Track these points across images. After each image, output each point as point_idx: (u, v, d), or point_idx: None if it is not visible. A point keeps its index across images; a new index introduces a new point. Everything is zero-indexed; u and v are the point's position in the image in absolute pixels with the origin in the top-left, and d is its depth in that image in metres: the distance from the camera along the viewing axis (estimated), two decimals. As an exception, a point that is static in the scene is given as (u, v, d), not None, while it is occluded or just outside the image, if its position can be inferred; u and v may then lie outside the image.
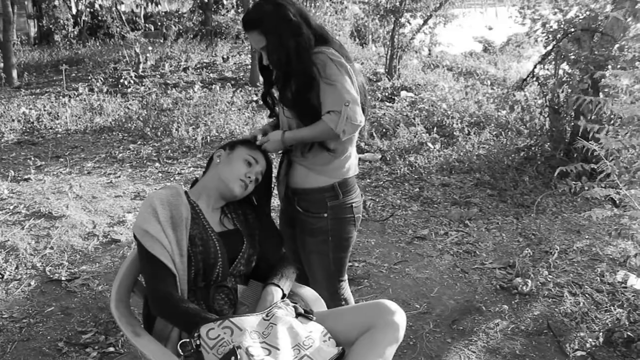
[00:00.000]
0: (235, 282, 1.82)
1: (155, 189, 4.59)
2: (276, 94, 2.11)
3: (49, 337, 2.72)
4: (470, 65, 11.98)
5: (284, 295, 1.79)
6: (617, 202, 4.90)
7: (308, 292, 1.97)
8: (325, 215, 2.07)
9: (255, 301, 1.78)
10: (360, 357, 1.61)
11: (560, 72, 5.50)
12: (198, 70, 9.88)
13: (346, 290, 2.28)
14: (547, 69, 5.86)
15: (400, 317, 1.68)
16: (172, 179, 4.81)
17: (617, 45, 5.07)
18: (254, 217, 1.97)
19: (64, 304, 3.01)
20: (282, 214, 2.26)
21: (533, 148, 5.83)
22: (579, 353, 2.82)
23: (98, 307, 2.95)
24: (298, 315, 1.68)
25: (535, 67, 5.84)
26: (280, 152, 2.12)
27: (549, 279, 3.46)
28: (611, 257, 3.88)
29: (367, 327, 1.67)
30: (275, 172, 2.14)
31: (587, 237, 4.22)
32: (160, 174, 4.93)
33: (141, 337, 1.65)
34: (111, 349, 2.63)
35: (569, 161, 5.25)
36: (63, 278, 3.26)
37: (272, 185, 2.08)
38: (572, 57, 5.28)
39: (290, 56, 1.90)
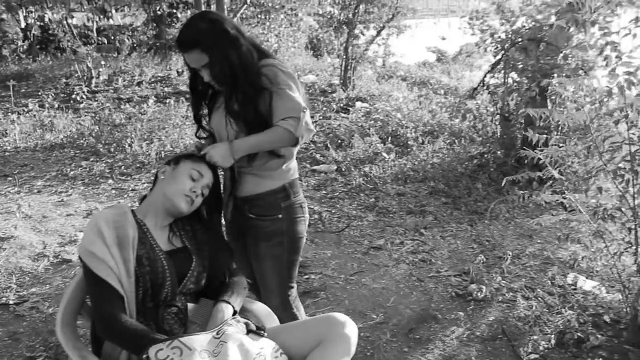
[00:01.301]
0: (185, 301, 1.80)
1: (109, 206, 4.50)
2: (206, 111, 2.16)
3: (-5, 364, 2.62)
4: (424, 75, 12.20)
5: (235, 312, 1.78)
6: (567, 207, 5.06)
7: (260, 308, 1.95)
8: (280, 216, 2.09)
9: (206, 319, 1.76)
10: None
11: (510, 80, 5.66)
12: (152, 85, 9.76)
13: (297, 297, 2.30)
14: (497, 78, 6.02)
15: (350, 329, 1.69)
16: (125, 195, 4.72)
17: (561, 54, 5.25)
18: (203, 232, 1.94)
19: (12, 329, 2.90)
20: (230, 227, 2.22)
21: (485, 155, 5.96)
22: (532, 356, 2.88)
23: (48, 330, 2.85)
24: (249, 332, 1.67)
25: (485, 76, 6.00)
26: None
27: (502, 284, 3.53)
28: (562, 260, 3.99)
29: (318, 341, 1.67)
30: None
31: (539, 241, 4.34)
32: (113, 191, 4.84)
33: (88, 361, 1.61)
34: (62, 374, 2.55)
35: (520, 168, 5.39)
36: (11, 302, 3.14)
37: (221, 197, 2.05)
38: (520, 65, 5.45)
39: (234, 68, 1.93)
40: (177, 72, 10.68)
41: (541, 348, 2.94)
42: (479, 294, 3.44)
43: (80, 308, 1.78)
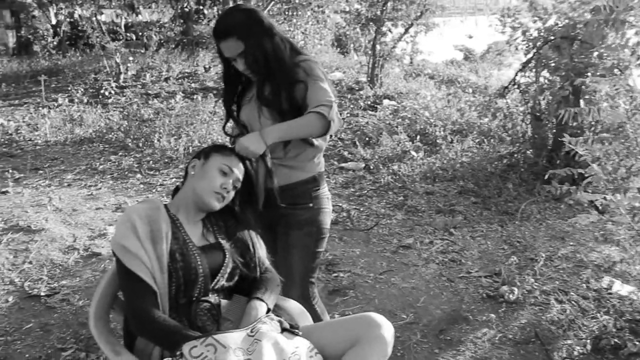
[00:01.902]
0: (218, 298, 1.77)
1: (137, 200, 4.52)
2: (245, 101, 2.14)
3: (27, 355, 2.63)
4: (452, 74, 12.06)
5: (268, 310, 1.75)
6: (601, 208, 4.94)
7: (293, 306, 1.92)
8: (311, 205, 2.13)
9: (239, 316, 1.73)
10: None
11: (541, 79, 5.54)
12: (179, 80, 9.81)
13: (317, 293, 2.30)
14: (528, 77, 5.90)
15: (388, 331, 1.65)
16: (154, 190, 4.74)
17: (596, 53, 5.13)
18: (235, 227, 1.91)
19: (43, 320, 2.93)
20: (260, 219, 2.17)
21: (515, 155, 5.85)
22: (567, 362, 2.81)
23: (79, 322, 2.86)
24: (283, 330, 1.64)
25: (516, 74, 5.88)
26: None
27: (535, 287, 3.45)
28: (596, 263, 3.89)
29: (354, 341, 1.63)
30: None
31: (571, 243, 4.24)
32: (142, 186, 4.86)
33: (121, 356, 1.59)
34: (92, 366, 2.56)
35: (552, 168, 5.28)
36: (42, 293, 3.17)
37: (254, 190, 2.01)
38: (553, 64, 5.34)
39: (268, 57, 1.97)
40: (204, 68, 10.72)
41: (576, 353, 2.87)
42: (510, 296, 3.36)
43: (113, 302, 1.77)
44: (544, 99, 5.56)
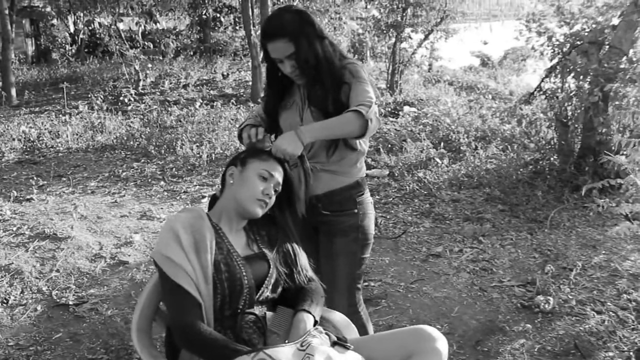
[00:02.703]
0: (263, 309, 1.71)
1: (161, 208, 4.49)
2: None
3: (58, 366, 2.60)
4: (471, 80, 11.98)
5: (315, 322, 1.69)
6: (631, 217, 4.83)
7: (338, 318, 1.86)
8: (356, 211, 2.08)
9: (286, 329, 1.67)
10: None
11: (570, 85, 5.44)
12: (198, 87, 9.82)
13: (362, 300, 2.24)
14: (553, 83, 5.81)
15: (442, 344, 1.58)
16: (177, 197, 4.71)
17: (625, 58, 5.03)
18: (277, 236, 1.86)
19: (72, 330, 2.89)
20: (302, 227, 2.09)
21: (541, 162, 5.76)
22: (611, 375, 2.71)
23: (108, 332, 2.82)
24: (334, 344, 1.58)
25: (542, 80, 5.79)
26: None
27: (570, 297, 3.36)
28: (631, 272, 3.78)
29: (407, 355, 1.57)
30: None
31: (603, 252, 4.13)
32: (165, 193, 4.83)
33: (166, 370, 1.54)
34: (124, 377, 2.51)
35: (580, 175, 5.19)
36: (70, 302, 3.14)
37: (293, 195, 1.93)
38: (580, 70, 5.24)
39: (318, 58, 1.93)
40: (222, 75, 10.73)
41: (617, 367, 2.78)
42: (546, 306, 3.27)
43: (155, 314, 1.72)
44: (571, 105, 5.46)
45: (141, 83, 9.43)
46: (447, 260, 3.94)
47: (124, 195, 4.83)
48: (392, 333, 1.68)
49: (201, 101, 8.03)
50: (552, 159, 5.67)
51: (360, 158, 2.10)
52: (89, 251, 3.75)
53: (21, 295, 3.20)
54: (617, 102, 5.08)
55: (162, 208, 4.47)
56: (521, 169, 5.73)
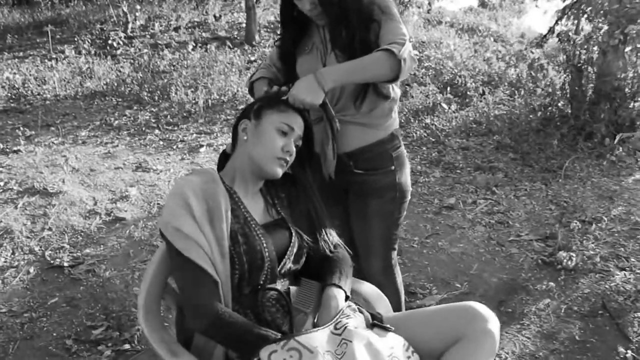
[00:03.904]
0: (285, 284, 1.50)
1: (158, 159, 4.24)
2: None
3: (55, 334, 2.40)
4: (472, 22, 11.53)
5: (346, 298, 1.48)
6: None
7: (368, 289, 1.66)
8: (393, 168, 1.83)
9: (313, 306, 1.46)
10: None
11: (587, 27, 5.14)
12: (189, 30, 9.36)
13: (397, 262, 2.04)
14: (565, 25, 5.51)
15: (495, 325, 1.39)
16: (174, 147, 4.44)
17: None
18: (298, 198, 1.62)
19: (69, 294, 2.69)
20: (329, 188, 1.84)
21: (550, 108, 5.52)
22: (643, 337, 2.57)
23: (107, 297, 2.62)
24: (373, 325, 1.38)
25: (557, 22, 5.47)
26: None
27: (593, 252, 3.20)
28: (652, 225, 3.62)
29: (456, 337, 1.37)
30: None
31: (621, 203, 3.97)
32: (161, 142, 4.55)
33: (179, 357, 1.34)
34: (127, 345, 2.33)
35: (594, 122, 4.96)
36: (65, 264, 2.92)
37: (314, 150, 1.69)
38: (600, 10, 4.93)
39: None
40: (215, 17, 10.24)
41: (648, 327, 2.63)
42: (569, 263, 3.11)
43: (163, 291, 1.51)
44: (586, 48, 5.18)
45: (130, 26, 8.95)
46: (460, 213, 3.76)
47: (117, 146, 4.55)
48: (436, 311, 1.48)
49: (194, 44, 7.62)
50: (561, 105, 5.43)
51: (394, 107, 1.83)
52: (83, 207, 3.51)
53: (12, 256, 2.98)
54: (638, 45, 4.80)
55: (158, 159, 4.21)
56: (531, 116, 5.49)
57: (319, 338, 1.27)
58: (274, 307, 1.44)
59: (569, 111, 5.26)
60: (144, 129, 4.81)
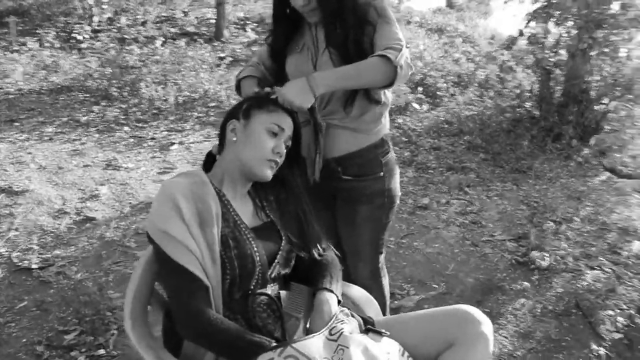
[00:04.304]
0: (274, 288, 1.47)
1: (128, 156, 4.14)
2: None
3: (24, 340, 2.31)
4: (440, 22, 11.64)
5: (338, 302, 1.46)
6: (608, 167, 4.78)
7: (358, 293, 1.64)
8: (382, 174, 1.79)
9: (304, 310, 1.44)
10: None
11: (554, 30, 5.23)
12: (157, 25, 9.19)
13: (384, 265, 2.03)
14: (533, 28, 5.59)
15: (488, 327, 1.39)
16: (145, 144, 4.34)
17: (615, 3, 4.85)
18: (287, 201, 1.59)
19: (39, 298, 2.59)
20: (316, 193, 1.79)
21: (519, 110, 5.61)
22: (616, 336, 2.63)
23: (80, 300, 2.53)
24: (367, 330, 1.36)
25: (527, 24, 5.55)
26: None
27: (565, 252, 3.26)
28: (619, 225, 3.72)
29: (449, 341, 1.37)
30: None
31: (589, 204, 4.06)
32: (131, 139, 4.44)
33: (169, 365, 1.30)
34: (101, 351, 2.25)
35: (561, 124, 5.07)
36: (34, 266, 2.82)
37: (301, 151, 1.65)
38: (569, 15, 5.03)
39: None
40: (183, 12, 10.09)
41: (619, 325, 2.69)
42: (542, 263, 3.16)
43: (150, 297, 1.46)
44: (555, 51, 5.29)
45: (96, 19, 8.73)
46: (435, 213, 3.78)
47: (86, 143, 4.42)
48: (429, 315, 1.47)
49: (163, 39, 7.48)
50: (529, 106, 5.53)
51: (385, 112, 1.80)
52: (51, 206, 3.39)
53: (-23, 258, 2.87)
54: (604, 49, 4.92)
55: (128, 156, 4.11)
56: (500, 117, 5.57)
57: (315, 344, 1.24)
58: (265, 312, 1.41)
59: (538, 113, 5.36)
60: (112, 125, 4.69)
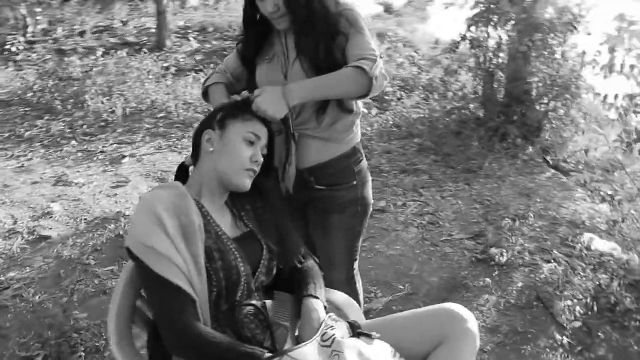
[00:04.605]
0: (260, 298, 1.46)
1: (78, 172, 4.01)
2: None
3: (-15, 369, 2.21)
4: (380, 27, 11.84)
5: (324, 308, 1.46)
6: (552, 164, 4.99)
7: (340, 298, 1.65)
8: (355, 183, 1.81)
9: (292, 319, 1.44)
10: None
11: (494, 34, 5.40)
12: (96, 35, 8.94)
13: (358, 272, 2.05)
14: (474, 32, 5.76)
15: (474, 324, 1.43)
16: (95, 159, 4.21)
17: (551, 8, 5.07)
18: (264, 210, 1.58)
19: (-4, 323, 2.47)
20: (289, 204, 1.82)
21: (463, 111, 5.77)
22: (576, 324, 2.75)
23: (40, 323, 2.43)
24: (358, 334, 1.37)
25: (469, 28, 5.72)
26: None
27: (522, 248, 3.37)
28: (568, 220, 3.88)
29: (437, 340, 1.40)
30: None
31: (538, 200, 4.21)
32: (80, 154, 4.29)
33: (160, 385, 1.27)
34: (69, 374, 2.17)
35: (508, 124, 5.24)
36: (-11, 290, 2.69)
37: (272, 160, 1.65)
38: (508, 19, 5.22)
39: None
40: (122, 22, 9.85)
41: (577, 315, 2.82)
42: (501, 259, 3.27)
43: (134, 315, 1.42)
44: (498, 54, 5.48)
45: (30, 29, 8.41)
46: (393, 215, 3.84)
47: (32, 159, 4.23)
48: (415, 315, 1.49)
49: (103, 50, 7.28)
50: (474, 108, 5.70)
51: (357, 121, 1.82)
52: (1, 227, 3.24)
53: None
54: (543, 52, 5.14)
55: (78, 171, 3.97)
56: (447, 119, 5.71)
57: (310, 352, 1.25)
58: (252, 323, 1.40)
59: (482, 114, 5.53)
60: (59, 140, 4.52)
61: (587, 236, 3.61)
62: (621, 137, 2.85)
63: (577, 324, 2.74)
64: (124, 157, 4.26)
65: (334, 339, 1.29)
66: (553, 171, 4.90)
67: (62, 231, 3.19)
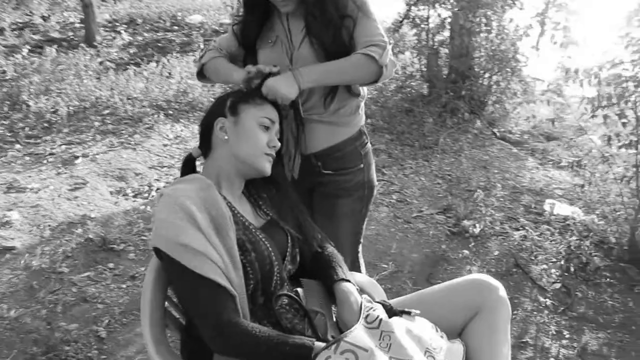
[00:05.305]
0: (291, 287, 1.43)
1: (29, 176, 3.80)
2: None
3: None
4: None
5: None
6: (499, 136, 5.16)
7: (362, 279, 1.63)
8: (362, 165, 1.80)
9: (325, 305, 1.41)
10: (487, 347, 1.37)
11: (438, 12, 5.49)
12: (16, 32, 8.42)
13: (361, 254, 2.04)
14: (418, 10, 5.84)
15: (504, 292, 1.46)
16: (44, 161, 3.96)
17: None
18: (278, 197, 1.54)
19: (-28, 344, 2.30)
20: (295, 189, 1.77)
21: (408, 89, 5.86)
22: (557, 285, 2.86)
23: (22, 339, 2.28)
24: (401, 312, 1.36)
25: (410, 8, 5.78)
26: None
27: (491, 218, 3.47)
28: (527, 187, 4.03)
29: (474, 310, 1.42)
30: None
31: (495, 171, 4.35)
32: (27, 158, 4.03)
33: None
34: (65, 388, 2.06)
35: (457, 99, 5.37)
36: (-42, 310, 2.49)
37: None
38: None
39: None
40: (43, 17, 9.33)
41: (554, 277, 2.94)
42: (475, 230, 3.35)
43: (165, 318, 1.35)
44: (440, 32, 5.59)
45: (-58, 30, 7.81)
46: (361, 197, 3.85)
47: (-26, 167, 3.95)
48: (445, 289, 1.50)
49: (28, 47, 6.86)
50: (416, 85, 5.81)
51: (361, 104, 1.80)
52: (-44, 241, 3.00)
53: None
54: (484, 27, 5.28)
55: (30, 176, 3.73)
56: (395, 97, 5.77)
57: (361, 335, 1.22)
58: (289, 312, 1.37)
59: (426, 91, 5.65)
60: (0, 145, 4.23)
61: (548, 202, 3.78)
62: (586, 108, 3.01)
63: (557, 286, 2.86)
64: (77, 157, 4.04)
65: (380, 319, 1.28)
66: (502, 142, 5.07)
67: (26, 240, 2.99)
